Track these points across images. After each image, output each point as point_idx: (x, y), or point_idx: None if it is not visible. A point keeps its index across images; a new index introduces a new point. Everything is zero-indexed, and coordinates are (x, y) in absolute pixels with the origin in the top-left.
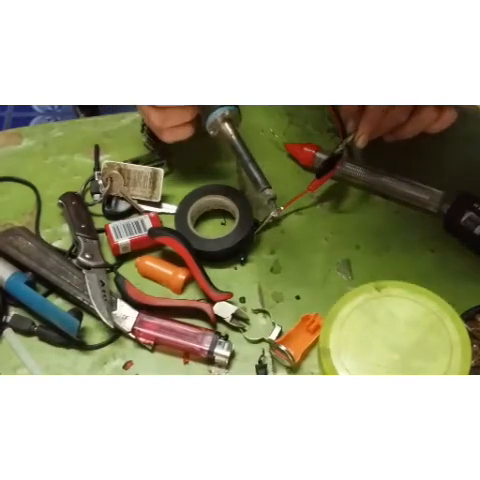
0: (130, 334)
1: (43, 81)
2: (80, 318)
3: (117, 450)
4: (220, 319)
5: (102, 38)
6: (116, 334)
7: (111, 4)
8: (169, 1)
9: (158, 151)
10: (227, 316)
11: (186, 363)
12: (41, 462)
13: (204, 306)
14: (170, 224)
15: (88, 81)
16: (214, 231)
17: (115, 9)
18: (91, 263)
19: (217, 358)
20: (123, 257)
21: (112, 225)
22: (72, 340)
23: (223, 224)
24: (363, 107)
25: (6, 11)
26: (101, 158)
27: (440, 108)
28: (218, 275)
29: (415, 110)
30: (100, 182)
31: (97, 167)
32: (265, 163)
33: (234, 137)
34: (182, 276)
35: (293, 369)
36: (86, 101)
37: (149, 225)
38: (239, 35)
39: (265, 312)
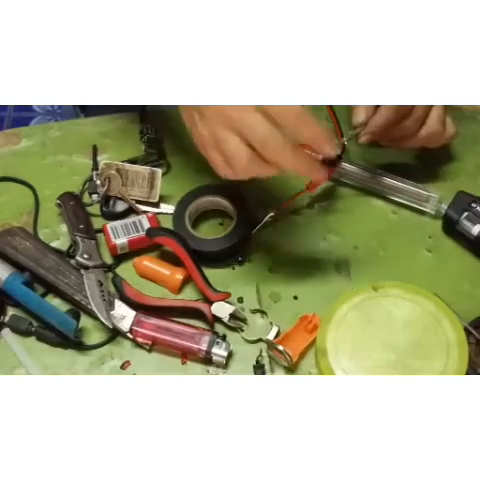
0: (128, 334)
1: (43, 81)
2: (78, 318)
3: (115, 450)
4: (218, 319)
5: (102, 38)
6: (114, 334)
7: (111, 4)
8: (167, 2)
9: (158, 152)
10: (225, 316)
11: (184, 363)
12: (39, 462)
13: (202, 306)
14: (168, 224)
15: (88, 81)
16: (212, 231)
17: (115, 9)
18: (89, 263)
19: (215, 358)
20: (121, 257)
21: (110, 225)
22: (70, 340)
23: (221, 224)
24: (377, 107)
25: (6, 11)
26: (99, 158)
27: (444, 124)
28: (216, 275)
29: (423, 125)
30: (98, 182)
31: (95, 167)
32: None
33: None
34: (180, 276)
35: (291, 369)
36: (86, 101)
37: (147, 225)
38: (238, 35)
39: (263, 312)
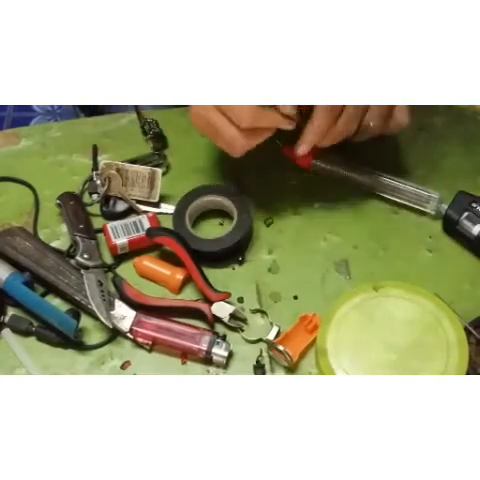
0: (128, 334)
1: (43, 81)
2: (78, 318)
3: (115, 450)
4: (218, 319)
5: (102, 38)
6: (114, 334)
7: (110, 4)
8: (168, 2)
9: (161, 152)
10: (225, 316)
11: (184, 363)
12: (39, 462)
13: (202, 306)
14: (168, 224)
15: (88, 81)
16: (212, 231)
17: (114, 9)
18: (89, 263)
19: (215, 358)
20: (121, 257)
21: (110, 225)
22: (70, 340)
23: (221, 224)
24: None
25: (6, 11)
26: (99, 158)
27: (387, 115)
28: (216, 275)
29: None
30: (98, 182)
31: (95, 167)
32: (263, 164)
33: None
34: (180, 276)
35: (291, 369)
36: (86, 101)
37: (147, 225)
38: (236, 36)
39: (263, 312)
